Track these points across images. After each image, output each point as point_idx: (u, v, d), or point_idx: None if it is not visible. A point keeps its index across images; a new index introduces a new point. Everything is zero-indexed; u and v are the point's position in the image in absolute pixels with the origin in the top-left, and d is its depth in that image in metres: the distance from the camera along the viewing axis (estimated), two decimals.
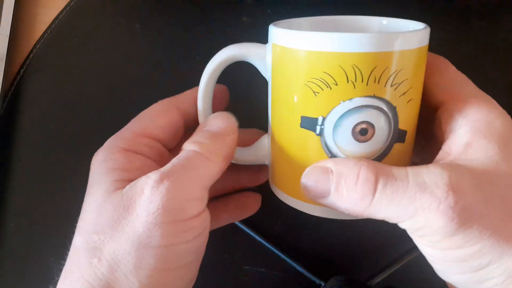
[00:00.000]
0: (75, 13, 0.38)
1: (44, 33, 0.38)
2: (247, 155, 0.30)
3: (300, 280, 0.36)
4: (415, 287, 0.36)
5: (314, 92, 0.23)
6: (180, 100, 0.31)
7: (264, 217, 0.35)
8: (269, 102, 0.28)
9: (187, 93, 0.31)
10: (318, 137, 0.24)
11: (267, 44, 0.27)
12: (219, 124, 0.27)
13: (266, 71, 0.27)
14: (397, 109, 0.24)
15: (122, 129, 0.29)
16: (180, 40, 0.37)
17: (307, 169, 0.25)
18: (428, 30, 0.24)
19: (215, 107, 0.30)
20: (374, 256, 0.37)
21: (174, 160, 0.25)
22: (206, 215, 0.26)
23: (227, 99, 0.33)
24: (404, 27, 0.27)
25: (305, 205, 0.27)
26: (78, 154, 0.38)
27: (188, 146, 0.26)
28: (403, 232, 0.23)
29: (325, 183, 0.23)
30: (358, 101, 0.23)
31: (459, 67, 0.27)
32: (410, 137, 0.26)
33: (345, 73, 0.22)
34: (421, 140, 0.27)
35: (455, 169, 0.22)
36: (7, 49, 0.37)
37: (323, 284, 0.35)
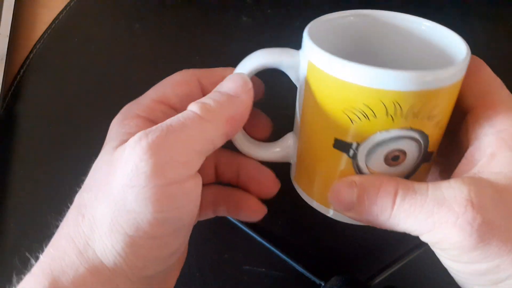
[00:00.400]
0: (75, 13, 0.38)
1: (44, 33, 0.38)
2: (271, 153, 0.30)
3: (300, 280, 0.36)
4: (415, 287, 0.36)
5: (351, 120, 0.23)
6: (204, 74, 0.29)
7: (264, 217, 0.35)
8: (298, 106, 0.27)
9: (214, 70, 0.29)
10: (350, 159, 0.25)
11: (300, 51, 0.26)
12: (229, 85, 0.25)
13: (297, 79, 0.27)
14: (429, 137, 0.24)
15: (142, 95, 0.28)
16: (180, 40, 0.37)
17: (335, 184, 0.25)
18: (467, 59, 0.23)
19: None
20: (374, 256, 0.37)
21: (167, 120, 0.23)
22: (194, 185, 0.23)
23: (261, 94, 0.31)
24: (445, 40, 0.26)
25: (326, 209, 0.27)
26: (78, 154, 0.38)
27: (190, 106, 0.24)
28: (403, 232, 0.23)
29: (350, 196, 0.23)
30: (395, 133, 0.23)
31: (496, 68, 0.25)
32: (435, 155, 0.26)
33: (386, 108, 0.22)
34: (446, 140, 0.27)
35: (477, 184, 0.21)
36: (7, 49, 0.38)
37: (323, 284, 0.35)
